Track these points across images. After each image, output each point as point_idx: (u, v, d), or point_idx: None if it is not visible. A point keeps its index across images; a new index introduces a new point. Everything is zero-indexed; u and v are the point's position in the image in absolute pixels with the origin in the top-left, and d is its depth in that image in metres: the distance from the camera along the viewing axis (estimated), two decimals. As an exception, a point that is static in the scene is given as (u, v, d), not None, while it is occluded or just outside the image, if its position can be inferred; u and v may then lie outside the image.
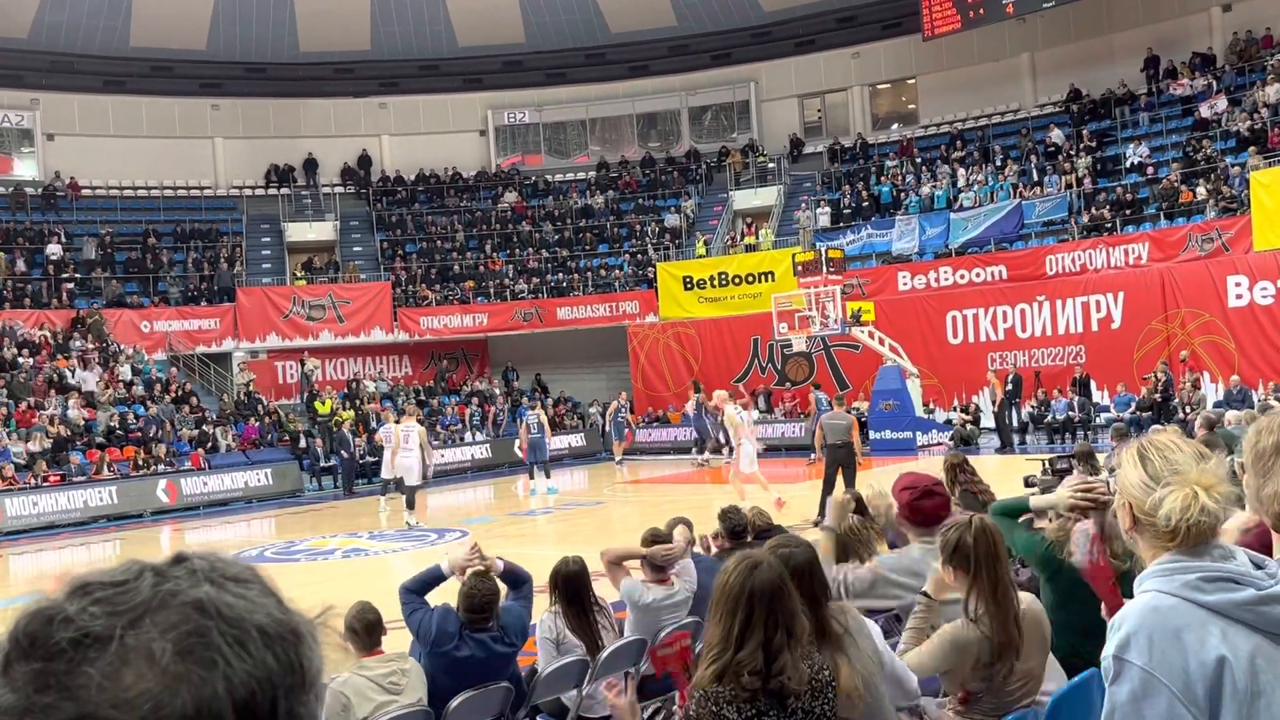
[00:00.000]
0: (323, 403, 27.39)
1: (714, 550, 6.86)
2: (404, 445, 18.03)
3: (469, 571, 5.40)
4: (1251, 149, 24.15)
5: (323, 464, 25.64)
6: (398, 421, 19.17)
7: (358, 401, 28.06)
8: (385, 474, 19.88)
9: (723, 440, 24.74)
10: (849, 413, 16.92)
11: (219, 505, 22.88)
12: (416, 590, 5.36)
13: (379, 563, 14.54)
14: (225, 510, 22.54)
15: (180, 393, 26.59)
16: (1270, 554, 2.08)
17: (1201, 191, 24.46)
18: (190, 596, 0.82)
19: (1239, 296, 22.47)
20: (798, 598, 2.92)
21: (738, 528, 6.55)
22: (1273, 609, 1.89)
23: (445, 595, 5.52)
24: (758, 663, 2.70)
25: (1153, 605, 1.93)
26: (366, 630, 4.93)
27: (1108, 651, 1.93)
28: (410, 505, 17.75)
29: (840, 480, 14.56)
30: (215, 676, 0.78)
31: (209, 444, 24.88)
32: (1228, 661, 1.84)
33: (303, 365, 28.82)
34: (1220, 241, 23.05)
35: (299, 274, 31.89)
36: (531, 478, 22.13)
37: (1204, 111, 26.68)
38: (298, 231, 33.13)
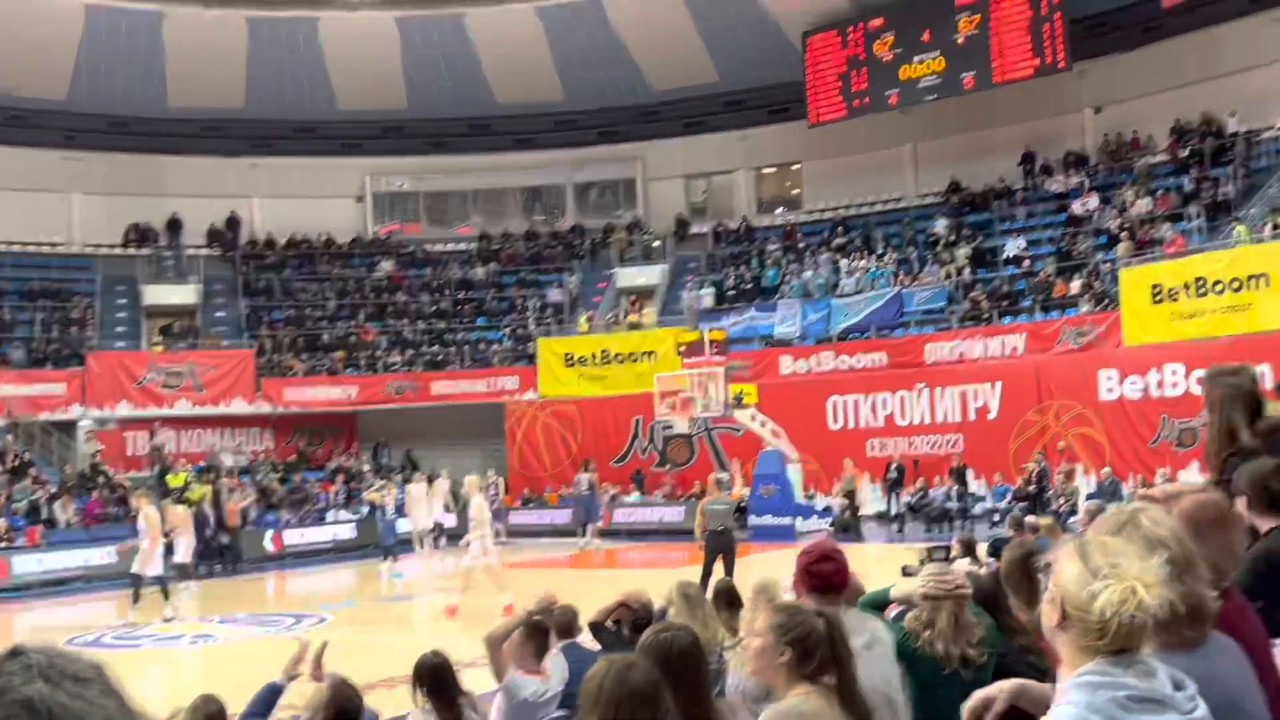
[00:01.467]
0: (175, 476, 26.44)
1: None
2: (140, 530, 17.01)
3: (325, 679, 5.15)
4: (1121, 247, 25.50)
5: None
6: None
7: (213, 476, 27.15)
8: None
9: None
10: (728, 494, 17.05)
11: (56, 585, 21.75)
12: (260, 714, 5.14)
13: (229, 649, 13.99)
14: (63, 591, 21.44)
15: (19, 462, 25.36)
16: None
17: (1075, 286, 25.67)
18: (21, 694, 0.79)
19: (1110, 390, 23.53)
20: (671, 699, 2.93)
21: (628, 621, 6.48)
22: None
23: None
24: None
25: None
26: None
27: None
28: (165, 596, 16.74)
29: (720, 568, 14.62)
30: None
31: (48, 518, 23.72)
32: None
33: (151, 436, 27.82)
34: (1092, 336, 24.17)
35: (156, 339, 30.92)
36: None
37: (1076, 208, 28.13)
38: (157, 294, 32.21)
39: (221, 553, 23.45)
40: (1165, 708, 1.92)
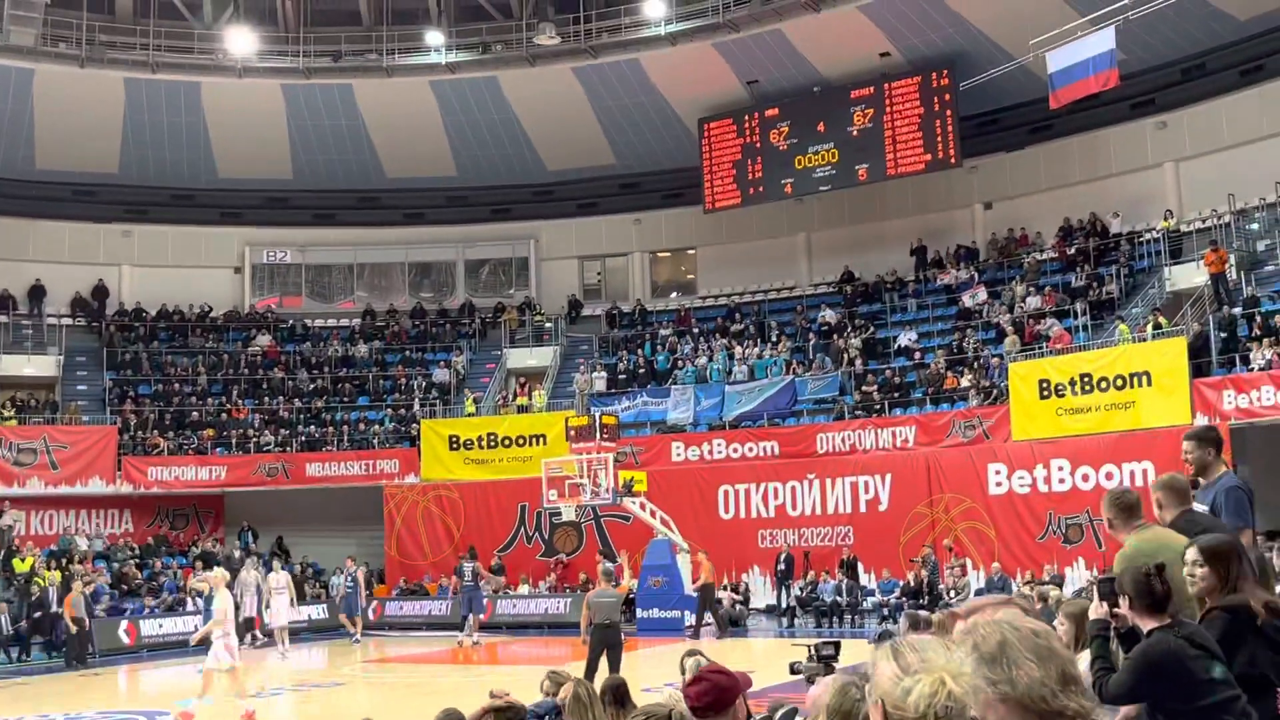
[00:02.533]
0: (22, 560, 25.20)
1: None
2: None
3: None
4: (1008, 341, 26.37)
5: (8, 632, 23.32)
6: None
7: (64, 561, 25.91)
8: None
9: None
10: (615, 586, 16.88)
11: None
12: None
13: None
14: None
15: None
16: None
17: (965, 379, 26.40)
18: None
19: (999, 484, 24.11)
20: None
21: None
22: None
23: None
24: None
25: None
26: None
27: None
28: None
29: (605, 664, 14.43)
30: None
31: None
32: None
33: (3, 516, 26.52)
34: (982, 429, 24.81)
35: (7, 412, 29.67)
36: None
37: (966, 301, 29.06)
38: (13, 365, 30.99)
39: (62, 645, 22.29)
40: None
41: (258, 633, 24.49)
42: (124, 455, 29.18)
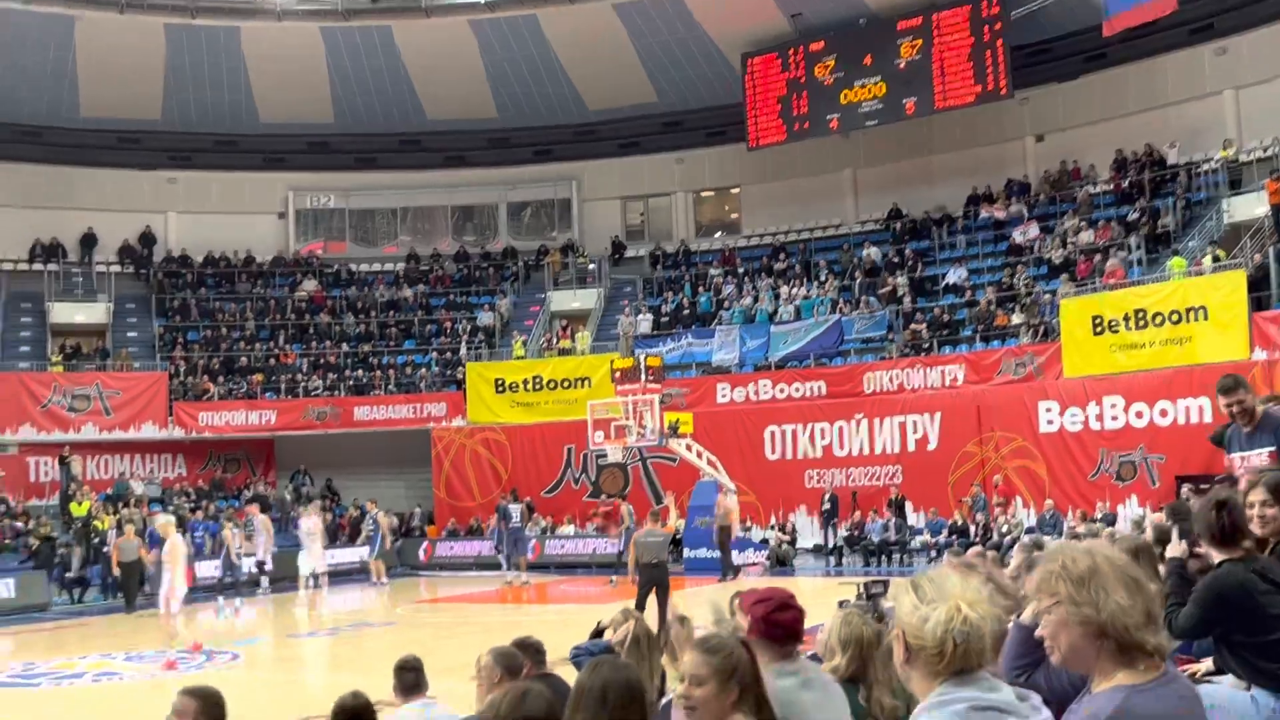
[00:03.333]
0: (79, 504, 25.84)
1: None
2: None
3: None
4: (1063, 277, 26.06)
5: (73, 574, 24.03)
6: None
7: (121, 505, 26.55)
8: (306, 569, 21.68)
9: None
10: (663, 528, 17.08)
11: (-52, 620, 21.13)
12: None
13: (133, 688, 13.68)
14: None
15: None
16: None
17: (1016, 317, 26.16)
18: None
19: (1050, 422, 23.97)
20: None
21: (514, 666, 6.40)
22: None
23: None
24: None
25: None
26: None
27: None
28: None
29: (654, 602, 14.64)
30: None
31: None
32: None
33: (66, 462, 27.06)
34: (1033, 367, 24.62)
35: (54, 358, 30.27)
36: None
37: (1017, 238, 28.71)
38: (64, 313, 31.57)
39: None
40: (1006, 715, 2.10)
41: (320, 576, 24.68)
42: (175, 401, 29.73)
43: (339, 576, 25.20)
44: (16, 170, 31.92)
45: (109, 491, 27.81)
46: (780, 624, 4.14)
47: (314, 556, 23.71)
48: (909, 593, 2.26)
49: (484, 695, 6.04)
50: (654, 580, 14.98)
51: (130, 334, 32.23)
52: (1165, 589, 4.46)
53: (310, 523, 24.10)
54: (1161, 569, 4.77)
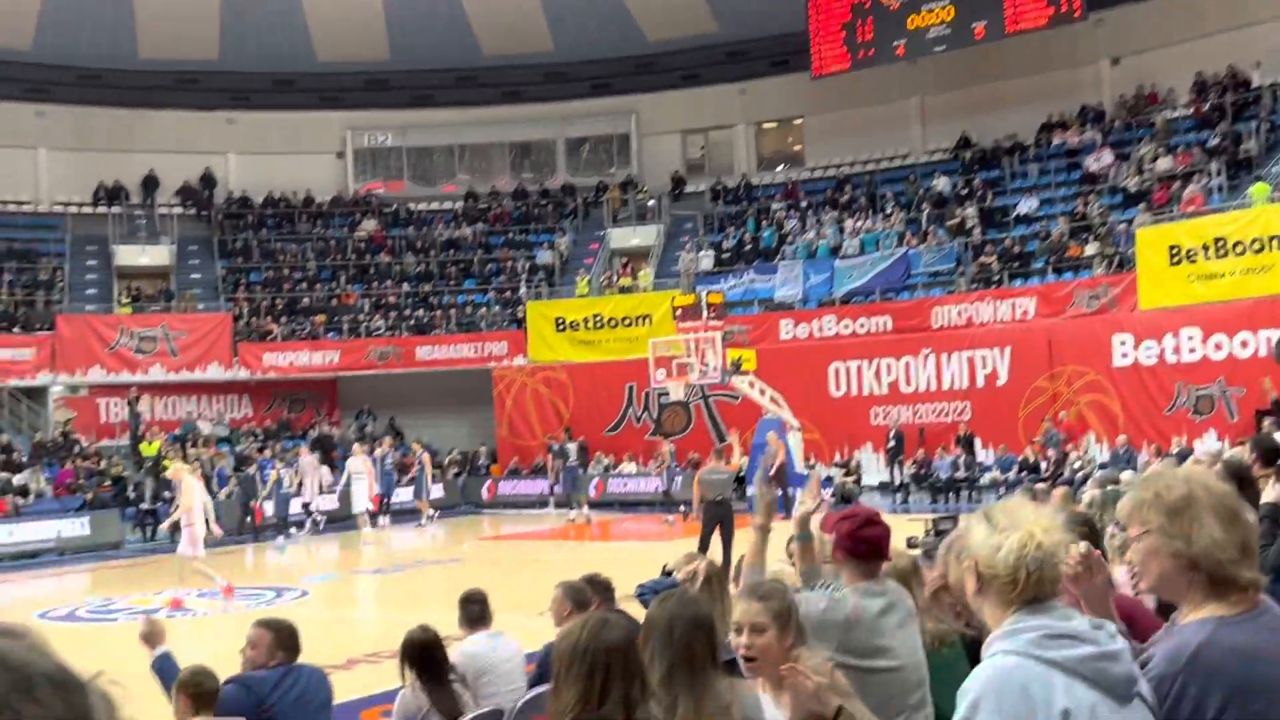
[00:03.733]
0: (149, 444, 26.44)
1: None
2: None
3: None
4: (1139, 205, 25.44)
5: (146, 506, 24.63)
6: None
7: (189, 445, 27.12)
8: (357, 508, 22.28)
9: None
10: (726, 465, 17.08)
11: (27, 558, 21.82)
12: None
13: (207, 624, 14.04)
14: (34, 563, 21.51)
15: (-14, 431, 25.37)
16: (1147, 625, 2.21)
17: (1089, 247, 25.63)
18: None
19: (1124, 356, 23.55)
20: (674, 669, 3.04)
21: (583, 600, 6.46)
22: (1110, 666, 2.07)
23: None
24: (619, 718, 2.75)
25: (998, 666, 2.08)
26: (197, 689, 4.82)
27: (957, 717, 2.05)
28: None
29: (718, 540, 14.68)
30: None
31: (19, 489, 23.74)
32: (1072, 715, 2.00)
33: (135, 402, 27.67)
34: (1107, 299, 24.15)
35: (123, 301, 30.84)
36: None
37: (1091, 165, 28.03)
38: (129, 255, 32.08)
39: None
40: (1082, 642, 2.08)
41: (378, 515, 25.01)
42: (239, 342, 30.19)
43: (403, 515, 25.56)
44: (78, 113, 32.35)
45: (176, 432, 28.40)
46: (867, 540, 4.12)
47: (361, 496, 23.85)
48: (981, 523, 2.23)
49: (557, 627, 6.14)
50: (717, 518, 15.01)
51: (193, 276, 32.70)
52: (1262, 535, 4.38)
53: (356, 462, 24.23)
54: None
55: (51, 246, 31.47)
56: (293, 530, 23.45)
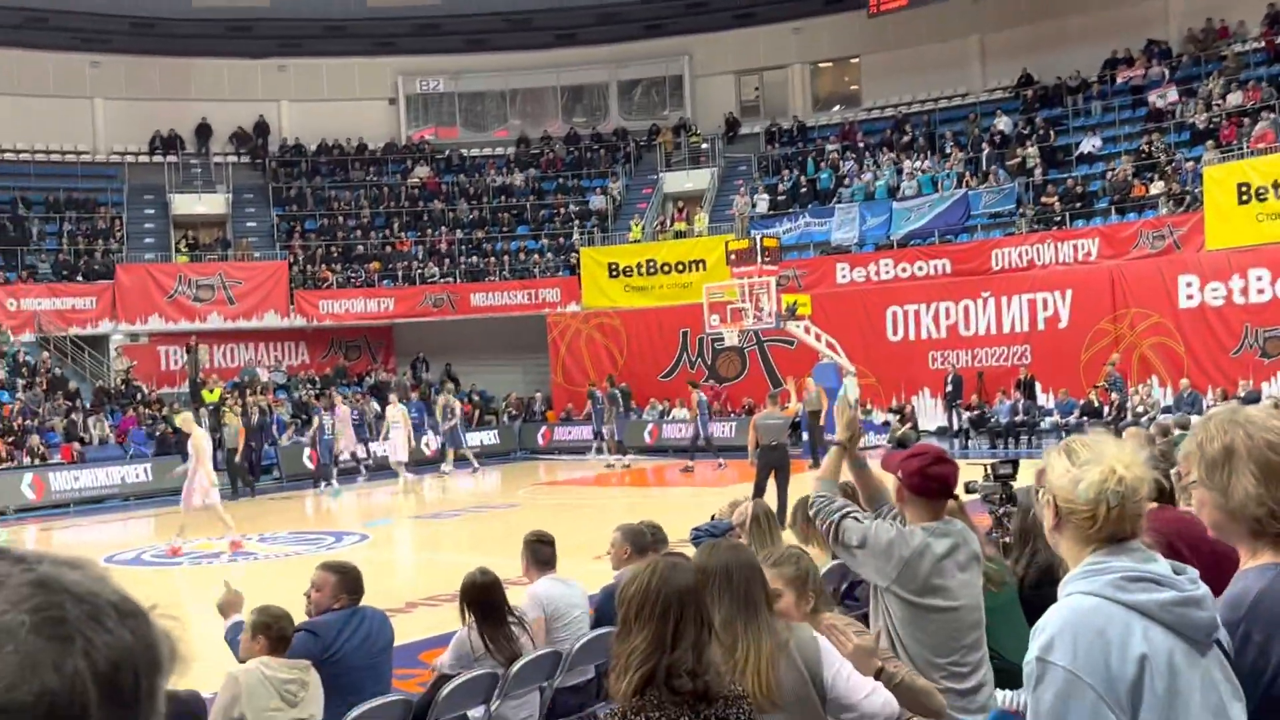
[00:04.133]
0: (210, 391, 26.89)
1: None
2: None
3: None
4: (1207, 143, 24.85)
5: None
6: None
7: (249, 391, 27.54)
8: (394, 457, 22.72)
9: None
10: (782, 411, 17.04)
11: (92, 503, 22.37)
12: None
13: (269, 567, 14.34)
14: (99, 508, 22.05)
15: (51, 378, 25.90)
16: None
17: (1154, 186, 25.11)
18: (30, 576, 0.83)
19: (1190, 297, 23.13)
20: (723, 610, 3.14)
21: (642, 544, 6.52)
22: (1192, 611, 2.03)
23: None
24: (689, 662, 2.75)
25: (1075, 606, 2.05)
26: (279, 634, 4.94)
27: (1030, 655, 2.04)
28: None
29: (774, 486, 14.71)
30: (73, 651, 0.80)
31: (83, 436, 24.28)
32: (1148, 660, 1.97)
33: (195, 350, 28.06)
34: (1172, 239, 23.70)
35: (180, 249, 31.25)
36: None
37: (1157, 102, 27.39)
38: (185, 204, 32.46)
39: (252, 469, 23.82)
40: (1164, 587, 2.03)
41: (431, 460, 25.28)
42: (295, 289, 30.51)
43: (459, 462, 25.80)
44: (131, 63, 32.65)
45: (236, 380, 28.85)
46: (935, 478, 4.11)
47: (399, 446, 23.56)
48: (1062, 456, 2.18)
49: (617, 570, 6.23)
50: (773, 463, 15.01)
51: (249, 224, 33.03)
52: None
53: (395, 411, 24.00)
54: None
55: (109, 196, 31.92)
56: (334, 481, 23.34)
